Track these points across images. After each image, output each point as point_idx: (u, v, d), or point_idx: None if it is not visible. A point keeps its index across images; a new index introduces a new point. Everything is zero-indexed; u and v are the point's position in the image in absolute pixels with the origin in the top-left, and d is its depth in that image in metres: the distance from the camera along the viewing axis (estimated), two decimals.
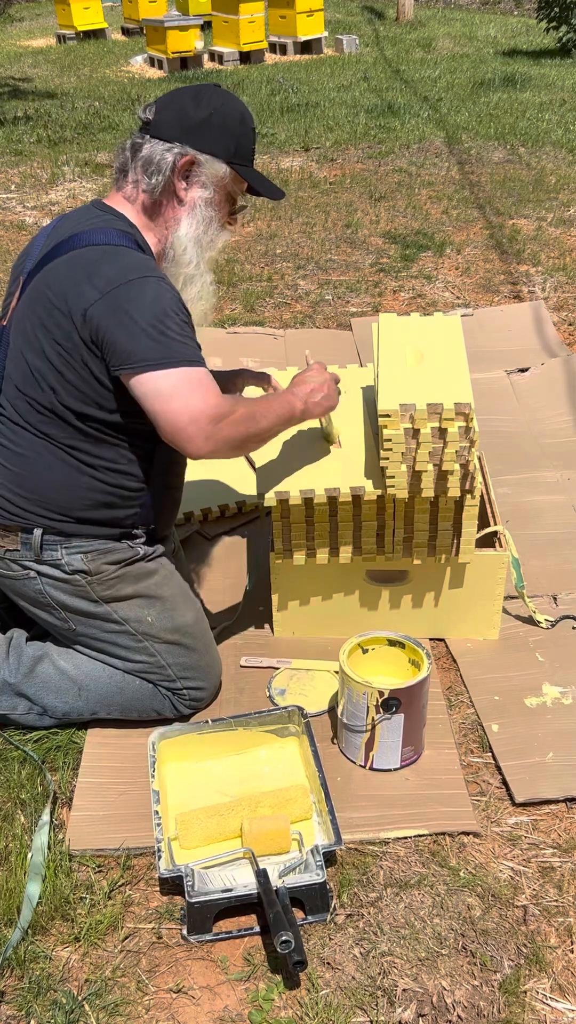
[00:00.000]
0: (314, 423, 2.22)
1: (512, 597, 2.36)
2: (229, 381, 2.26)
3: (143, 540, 1.96)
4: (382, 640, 1.98)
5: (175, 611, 1.99)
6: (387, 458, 1.96)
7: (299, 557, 2.15)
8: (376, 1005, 1.51)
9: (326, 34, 11.05)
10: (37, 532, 1.86)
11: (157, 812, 1.74)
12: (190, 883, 1.61)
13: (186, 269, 1.88)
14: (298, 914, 1.63)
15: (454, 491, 2.00)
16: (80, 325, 1.73)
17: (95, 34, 12.22)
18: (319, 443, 2.17)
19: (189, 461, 2.13)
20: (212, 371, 2.29)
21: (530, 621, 2.31)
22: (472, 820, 1.80)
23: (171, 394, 1.69)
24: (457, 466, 1.96)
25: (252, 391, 2.35)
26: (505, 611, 2.32)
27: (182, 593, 2.04)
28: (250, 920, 1.64)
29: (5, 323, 1.90)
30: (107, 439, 1.84)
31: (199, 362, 1.73)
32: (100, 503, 1.87)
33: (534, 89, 8.25)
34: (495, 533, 2.21)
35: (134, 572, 1.94)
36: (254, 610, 2.38)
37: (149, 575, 1.97)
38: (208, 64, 10.48)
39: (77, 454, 1.84)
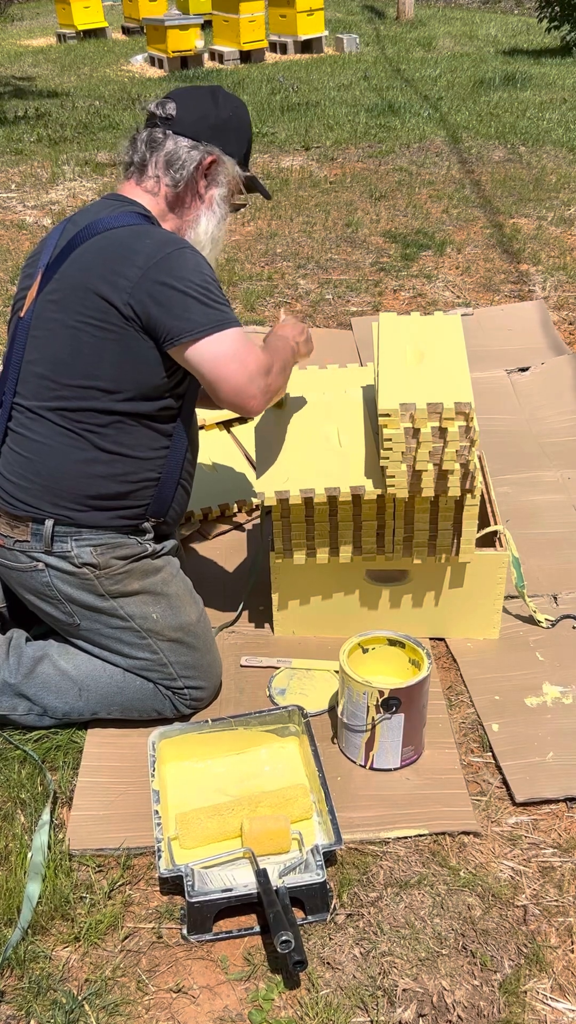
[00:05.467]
0: (315, 423, 2.22)
1: (512, 597, 2.36)
2: None
3: (151, 536, 1.97)
4: (382, 640, 1.98)
5: (180, 609, 1.99)
6: (387, 457, 1.96)
7: (299, 557, 2.15)
8: (376, 1005, 1.51)
9: (326, 33, 11.05)
10: (48, 523, 1.87)
11: (157, 812, 1.74)
12: (190, 883, 1.61)
13: None
14: (298, 914, 1.63)
15: (454, 491, 2.00)
16: (122, 305, 1.77)
17: (95, 33, 12.23)
18: (319, 442, 2.17)
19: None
20: None
21: (530, 620, 2.31)
22: (472, 820, 1.80)
23: (230, 357, 1.77)
24: (457, 465, 1.96)
25: None
26: (505, 611, 2.32)
27: (187, 591, 2.04)
28: (250, 920, 1.64)
29: (23, 315, 1.90)
30: (130, 425, 1.87)
31: (237, 322, 1.81)
32: (114, 492, 1.88)
33: (535, 88, 8.25)
34: (495, 533, 2.21)
35: (141, 568, 1.94)
36: (254, 610, 2.38)
37: (156, 572, 1.97)
38: (208, 63, 10.47)
39: (97, 440, 1.86)
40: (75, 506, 1.87)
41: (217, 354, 1.77)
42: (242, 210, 2.13)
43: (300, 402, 2.30)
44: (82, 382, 1.82)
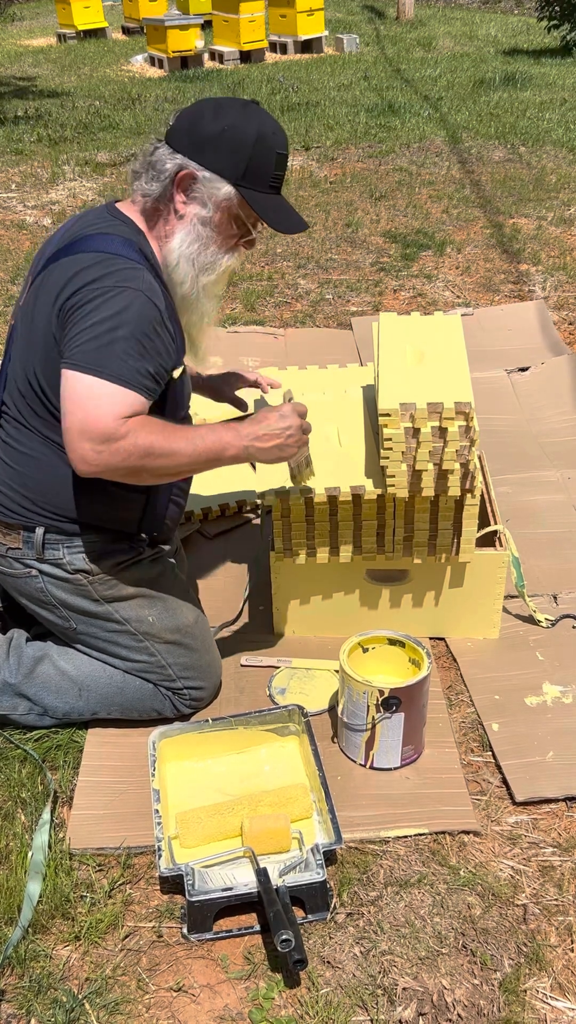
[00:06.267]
0: (315, 423, 2.22)
1: (512, 596, 2.36)
2: (219, 383, 2.27)
3: (146, 541, 1.97)
4: (382, 639, 1.98)
5: (176, 611, 1.99)
6: (387, 457, 1.96)
7: (299, 557, 2.15)
8: (376, 1004, 1.51)
9: (326, 33, 11.05)
10: (39, 531, 1.86)
11: (157, 811, 1.74)
12: (190, 882, 1.61)
13: (181, 289, 1.81)
14: (298, 913, 1.64)
15: (454, 490, 2.00)
16: (55, 323, 1.72)
17: (95, 33, 12.22)
18: (319, 442, 2.17)
19: None
20: (208, 375, 2.29)
21: (530, 620, 2.31)
22: (472, 819, 1.81)
23: (77, 397, 1.63)
24: (457, 465, 1.96)
25: (244, 393, 2.36)
26: (505, 610, 2.32)
27: (183, 593, 2.04)
28: (250, 919, 1.64)
29: (13, 322, 1.89)
30: None
31: (128, 383, 1.65)
32: (103, 508, 1.87)
33: (535, 88, 8.25)
34: (495, 532, 2.21)
35: (136, 572, 1.94)
36: (254, 610, 2.38)
37: (151, 575, 1.97)
38: (208, 63, 10.47)
39: None
40: (64, 517, 1.86)
41: (72, 391, 1.64)
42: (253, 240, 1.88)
43: (300, 402, 2.30)
44: (49, 401, 1.79)
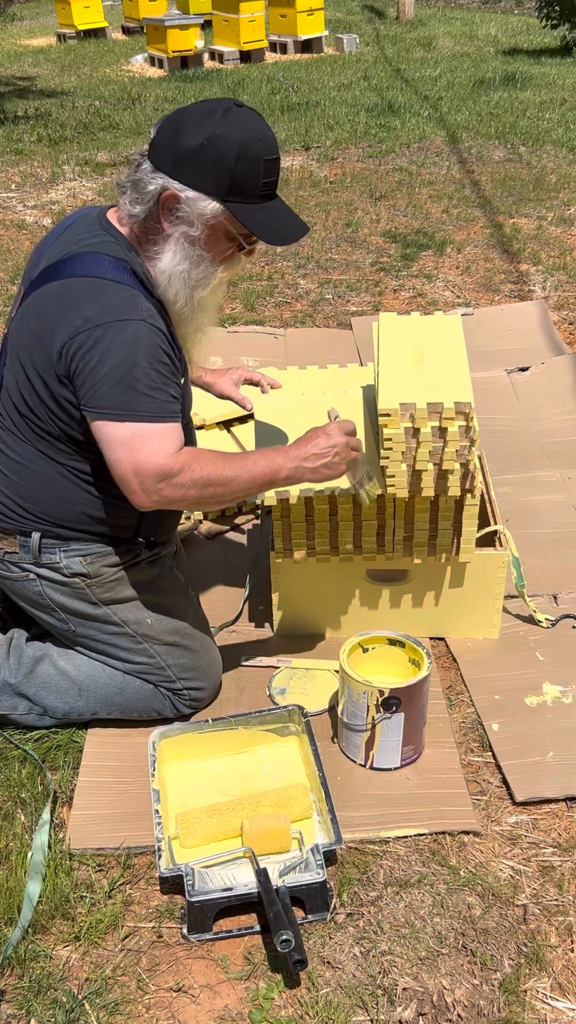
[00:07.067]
0: (315, 422, 2.22)
1: (512, 596, 2.36)
2: (220, 380, 2.26)
3: (143, 544, 1.96)
4: (382, 639, 1.98)
5: (175, 612, 1.99)
6: (387, 457, 1.96)
7: (299, 556, 2.15)
8: (376, 1004, 1.51)
9: (326, 33, 11.05)
10: (35, 535, 1.86)
11: (157, 811, 1.74)
12: (190, 882, 1.61)
13: (176, 307, 1.76)
14: (298, 913, 1.64)
15: (454, 490, 2.00)
16: (55, 362, 1.70)
17: (95, 33, 12.22)
18: None
19: None
20: (210, 371, 2.29)
21: (530, 620, 2.31)
22: (472, 819, 1.80)
23: (121, 444, 1.66)
24: (457, 465, 1.96)
25: (248, 390, 2.36)
26: (505, 610, 2.32)
27: (182, 594, 2.04)
28: (250, 919, 1.64)
29: (7, 331, 1.89)
30: (99, 458, 1.78)
31: (164, 417, 1.68)
32: (97, 516, 1.87)
33: (535, 88, 8.25)
34: (495, 532, 2.21)
35: (134, 574, 1.94)
36: (254, 610, 2.38)
37: (149, 577, 1.97)
38: (208, 63, 10.47)
39: (72, 470, 1.82)
40: (60, 524, 1.86)
41: (112, 438, 1.67)
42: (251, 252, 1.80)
43: (300, 402, 2.30)
44: (39, 419, 1.78)
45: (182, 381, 1.81)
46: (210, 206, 1.67)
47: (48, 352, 1.71)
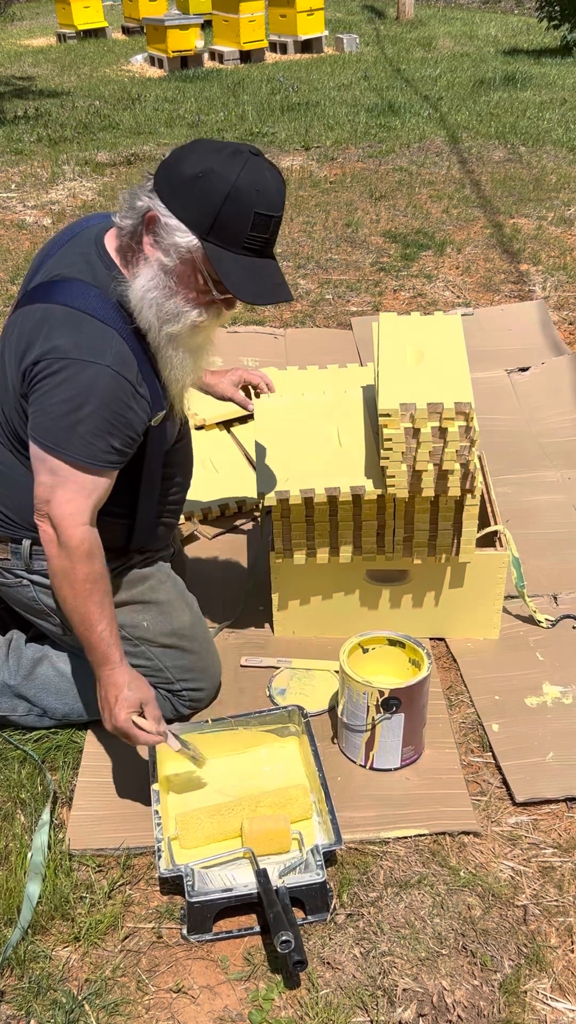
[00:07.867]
0: (315, 423, 2.22)
1: (512, 597, 2.36)
2: (221, 380, 2.26)
3: (135, 552, 1.96)
4: (382, 640, 1.98)
5: (171, 614, 1.99)
6: (387, 457, 1.96)
7: (299, 557, 2.15)
8: (376, 1005, 1.51)
9: (326, 33, 11.05)
10: (26, 543, 1.86)
11: (157, 812, 1.74)
12: (190, 883, 1.61)
13: (148, 336, 1.71)
14: (298, 914, 1.63)
15: (454, 490, 2.00)
16: (20, 380, 1.71)
17: (95, 33, 12.22)
18: (319, 442, 2.17)
19: (192, 479, 2.12)
20: (211, 371, 2.29)
21: (530, 621, 2.31)
22: (472, 820, 1.80)
23: (48, 471, 1.66)
24: (457, 465, 1.96)
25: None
26: (505, 611, 2.32)
27: (178, 595, 2.03)
28: (250, 920, 1.64)
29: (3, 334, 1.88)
30: None
31: (92, 464, 1.66)
32: None
33: (535, 88, 8.25)
34: (495, 532, 2.21)
35: (128, 578, 1.94)
36: (254, 610, 2.38)
37: (143, 580, 1.96)
38: (208, 63, 10.47)
39: None
40: None
41: (39, 458, 1.67)
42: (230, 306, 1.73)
43: (300, 402, 2.30)
44: (18, 429, 1.78)
45: (158, 417, 1.78)
46: (186, 239, 1.61)
47: (19, 369, 1.71)
